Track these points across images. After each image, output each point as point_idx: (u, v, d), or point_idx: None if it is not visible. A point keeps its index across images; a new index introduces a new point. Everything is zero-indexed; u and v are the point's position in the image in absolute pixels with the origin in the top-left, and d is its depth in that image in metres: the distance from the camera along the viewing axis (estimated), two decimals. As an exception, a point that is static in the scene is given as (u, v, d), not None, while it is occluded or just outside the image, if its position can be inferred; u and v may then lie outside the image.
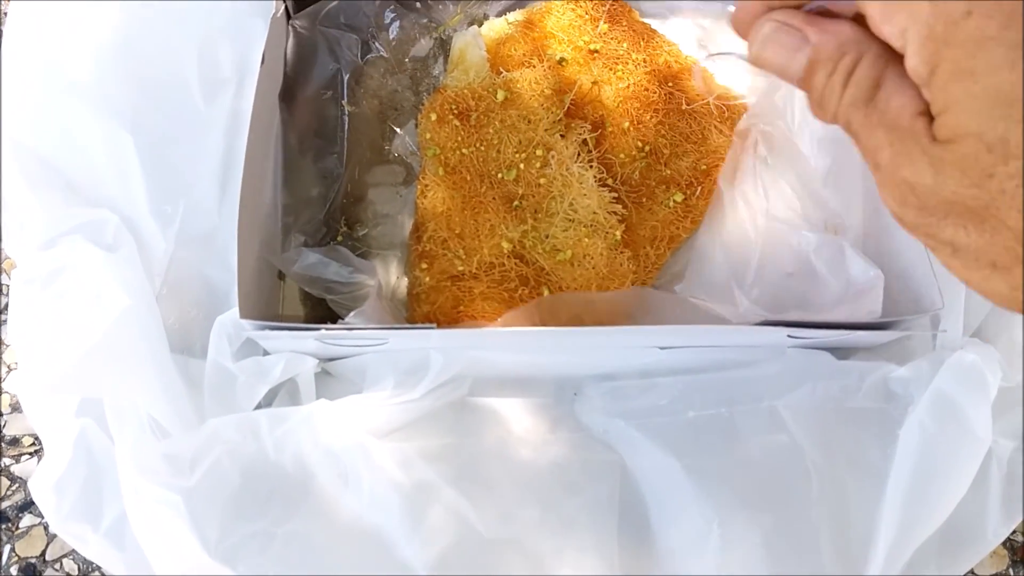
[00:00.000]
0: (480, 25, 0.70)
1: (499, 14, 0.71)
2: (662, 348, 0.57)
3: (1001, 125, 0.26)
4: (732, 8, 0.69)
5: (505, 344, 0.55)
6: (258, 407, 0.56)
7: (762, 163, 0.62)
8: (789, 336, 0.55)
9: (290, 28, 0.66)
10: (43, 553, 0.62)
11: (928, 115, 0.29)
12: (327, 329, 0.51)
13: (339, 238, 0.64)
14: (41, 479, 0.51)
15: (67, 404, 0.53)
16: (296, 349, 0.56)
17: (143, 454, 0.50)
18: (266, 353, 0.57)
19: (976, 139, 0.27)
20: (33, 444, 0.64)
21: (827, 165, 0.61)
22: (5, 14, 0.79)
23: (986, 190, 0.27)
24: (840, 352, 0.60)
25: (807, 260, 0.59)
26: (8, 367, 0.65)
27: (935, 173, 0.28)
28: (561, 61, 0.67)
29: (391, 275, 0.64)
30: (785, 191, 0.61)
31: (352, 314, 0.54)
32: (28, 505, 0.62)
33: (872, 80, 0.30)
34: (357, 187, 0.66)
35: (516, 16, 0.69)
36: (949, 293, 0.57)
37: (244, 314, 0.51)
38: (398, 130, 0.68)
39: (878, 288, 0.56)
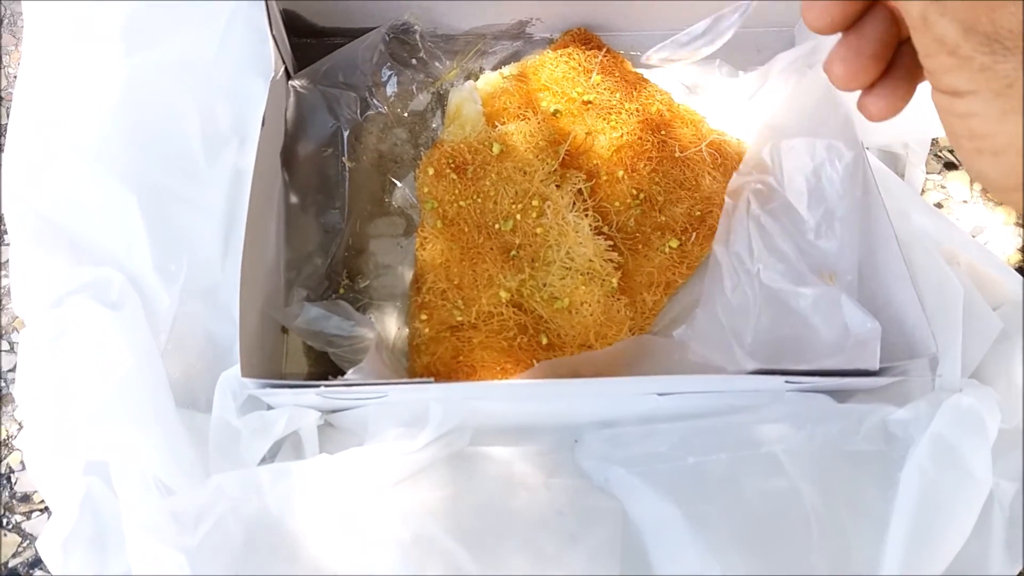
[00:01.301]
0: (476, 79, 0.71)
1: (495, 67, 0.72)
2: (661, 394, 0.57)
3: None
4: (719, 62, 0.70)
5: (504, 395, 0.56)
6: (263, 460, 0.57)
7: (755, 223, 0.62)
8: (787, 381, 0.55)
9: (290, 88, 0.67)
10: (53, 610, 0.62)
11: None
12: (327, 386, 0.52)
13: (341, 290, 0.65)
14: (48, 538, 0.52)
15: (74, 462, 0.54)
16: (299, 403, 0.57)
17: (148, 512, 0.51)
18: (270, 407, 0.57)
19: None
20: (43, 500, 0.64)
21: (819, 216, 0.62)
22: (14, 77, 0.81)
23: None
24: (839, 395, 0.60)
25: (804, 317, 0.59)
26: (20, 425, 0.66)
27: None
28: (555, 113, 0.68)
29: (392, 326, 0.65)
30: (779, 247, 0.61)
31: (352, 370, 0.55)
32: (38, 562, 0.63)
33: None
34: (358, 239, 0.67)
35: (511, 70, 0.71)
36: (946, 335, 0.58)
37: (246, 372, 0.52)
38: (398, 183, 0.69)
39: (875, 340, 0.55)
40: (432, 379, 0.53)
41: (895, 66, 0.33)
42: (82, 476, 0.53)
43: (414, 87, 0.70)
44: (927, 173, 0.73)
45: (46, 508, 0.65)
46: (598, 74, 0.68)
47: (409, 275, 0.66)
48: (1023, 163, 0.28)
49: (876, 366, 0.56)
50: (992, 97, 0.27)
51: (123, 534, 0.51)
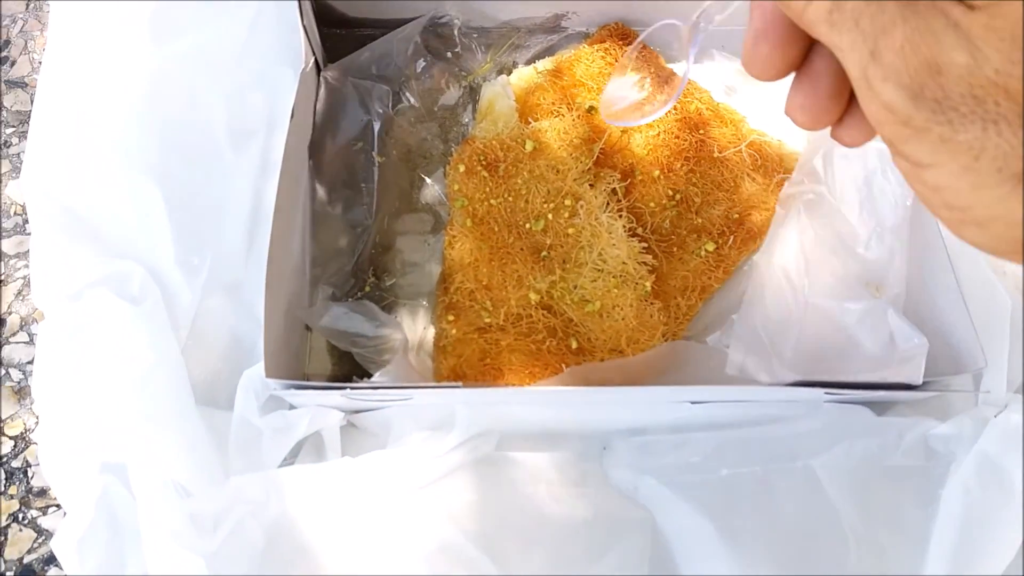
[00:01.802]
0: (509, 74, 0.69)
1: (528, 62, 0.71)
2: (694, 402, 0.56)
3: None
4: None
5: (534, 402, 0.54)
6: (284, 460, 0.56)
7: (804, 235, 0.60)
8: (827, 393, 0.53)
9: (321, 80, 0.66)
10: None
11: None
12: (352, 387, 0.50)
13: (367, 288, 0.64)
14: (63, 537, 0.51)
15: (90, 459, 0.52)
16: (322, 403, 0.55)
17: (166, 514, 0.50)
18: (292, 407, 0.56)
19: None
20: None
21: (871, 227, 0.60)
22: (39, 63, 0.80)
23: None
24: (877, 407, 0.58)
25: (849, 331, 0.58)
26: (38, 419, 0.65)
27: (972, 49, 0.22)
28: (590, 110, 0.66)
29: (418, 325, 0.63)
30: (828, 261, 0.59)
31: (379, 373, 0.53)
32: (53, 559, 0.62)
33: None
34: (386, 236, 0.66)
35: (545, 64, 0.69)
36: (992, 349, 0.56)
37: (271, 373, 0.50)
38: (427, 179, 0.67)
39: (921, 356, 0.54)
40: (460, 383, 0.52)
41: None
42: (98, 474, 0.52)
43: (446, 80, 0.69)
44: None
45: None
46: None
47: (436, 274, 0.65)
48: (1012, 232, 0.24)
49: (920, 381, 0.54)
50: (960, 171, 0.23)
51: (140, 535, 0.50)
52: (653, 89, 0.47)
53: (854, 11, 0.24)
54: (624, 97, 0.47)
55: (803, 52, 0.28)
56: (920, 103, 0.23)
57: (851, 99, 0.28)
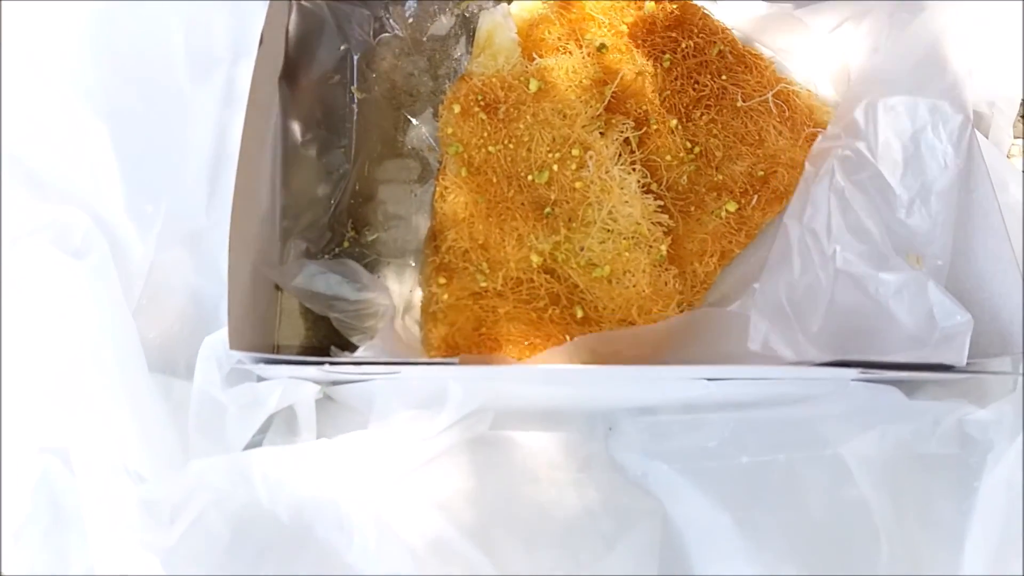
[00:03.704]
0: (509, 3, 0.62)
1: (531, -12, 0.63)
2: (710, 379, 0.51)
3: None
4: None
5: (538, 379, 0.49)
6: (251, 439, 0.50)
7: (837, 196, 0.55)
8: (861, 374, 0.48)
9: (293, 2, 0.58)
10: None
11: None
12: (332, 363, 0.44)
13: (345, 244, 0.58)
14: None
15: (27, 438, 0.46)
16: (295, 375, 0.50)
17: (116, 503, 0.45)
18: (260, 378, 0.50)
19: None
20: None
21: (915, 190, 0.55)
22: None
23: None
24: (906, 386, 0.53)
25: (884, 305, 0.53)
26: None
27: None
28: (601, 48, 0.60)
29: (404, 287, 0.58)
30: (863, 225, 0.55)
31: (364, 347, 0.47)
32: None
33: None
34: (366, 185, 0.60)
35: (552, -8, 0.62)
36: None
37: (235, 344, 0.45)
38: (413, 120, 0.61)
39: (965, 335, 0.50)
40: (456, 359, 0.46)
41: None
42: (36, 455, 0.47)
43: (436, 7, 0.61)
44: (1014, 137, 0.65)
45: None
46: (653, 2, 0.59)
47: (423, 228, 0.59)
48: None
49: (963, 362, 0.50)
50: None
51: (85, 528, 0.44)
52: None
53: None
54: None
55: None
56: None
57: None
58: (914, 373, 0.50)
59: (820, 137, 0.58)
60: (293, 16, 0.59)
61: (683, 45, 0.60)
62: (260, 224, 0.54)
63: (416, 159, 0.61)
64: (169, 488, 0.46)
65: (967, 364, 0.50)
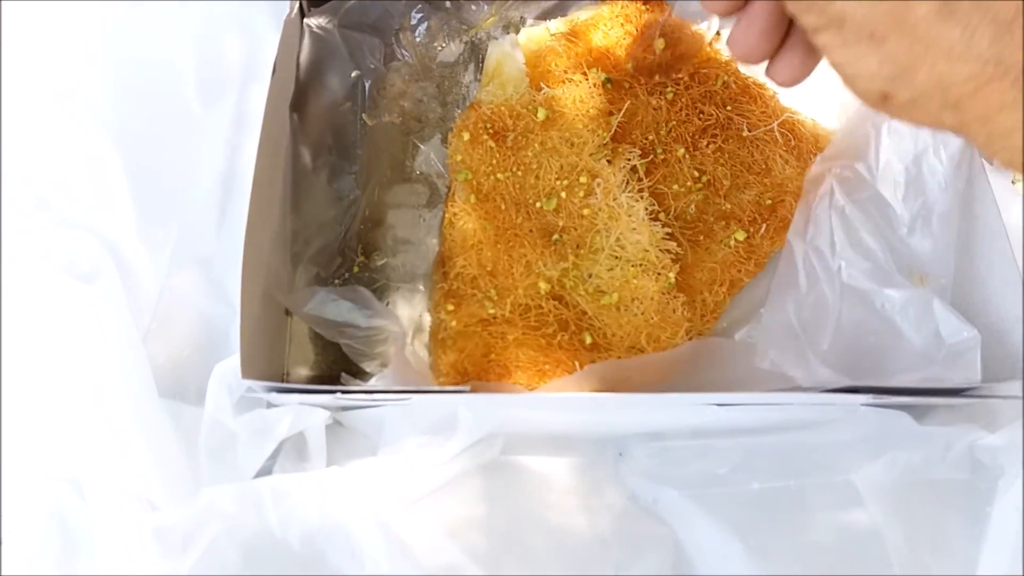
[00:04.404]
0: (517, 31, 0.63)
1: (537, 18, 0.64)
2: (719, 405, 0.51)
3: None
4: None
5: (554, 408, 0.49)
6: (262, 467, 0.50)
7: (838, 214, 0.55)
8: (871, 400, 0.49)
9: (305, 28, 0.58)
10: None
11: None
12: (343, 392, 0.44)
13: (355, 269, 0.57)
14: (7, 558, 0.44)
15: (37, 467, 0.46)
16: (305, 401, 0.49)
17: (127, 531, 0.44)
18: (270, 404, 0.49)
19: None
20: None
21: (915, 210, 0.55)
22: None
23: None
24: (915, 411, 0.53)
25: (891, 322, 0.53)
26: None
27: None
28: (607, 83, 0.61)
29: (414, 311, 0.57)
30: (865, 243, 0.55)
31: (376, 377, 0.47)
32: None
33: None
34: (376, 210, 0.59)
35: (558, 26, 0.62)
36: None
37: (247, 373, 0.44)
38: (422, 145, 0.61)
39: (974, 351, 0.50)
40: (467, 387, 0.46)
41: (792, 35, 0.35)
42: (47, 485, 0.46)
43: (445, 34, 0.62)
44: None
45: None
46: (660, 37, 0.60)
47: (432, 253, 0.59)
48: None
49: (978, 379, 0.50)
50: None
51: (97, 556, 0.44)
52: None
53: None
54: None
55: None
56: None
57: (786, 39, 0.35)
58: (924, 398, 0.51)
59: (818, 158, 0.59)
60: (304, 42, 0.59)
61: (687, 77, 0.61)
62: (271, 250, 0.53)
63: (425, 184, 0.61)
64: (181, 516, 0.45)
65: (977, 388, 0.50)
